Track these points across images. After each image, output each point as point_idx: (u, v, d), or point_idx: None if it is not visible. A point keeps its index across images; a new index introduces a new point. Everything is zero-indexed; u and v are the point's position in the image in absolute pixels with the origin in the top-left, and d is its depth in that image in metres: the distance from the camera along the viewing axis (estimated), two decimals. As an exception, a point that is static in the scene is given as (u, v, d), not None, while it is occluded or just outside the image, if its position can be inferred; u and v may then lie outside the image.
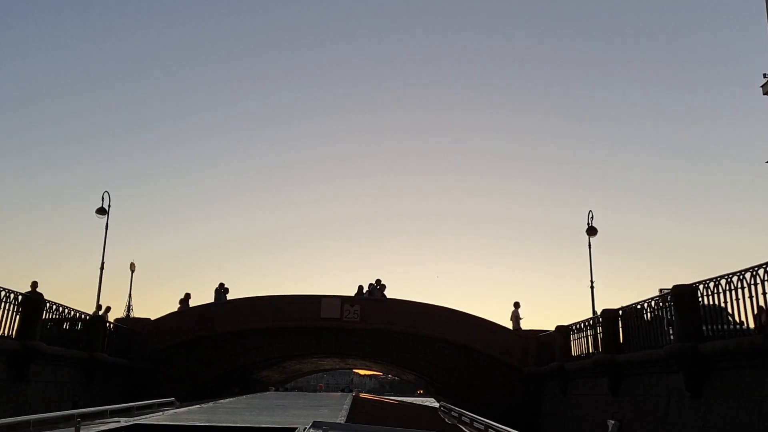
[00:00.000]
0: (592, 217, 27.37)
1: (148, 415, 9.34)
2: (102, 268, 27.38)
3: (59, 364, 19.60)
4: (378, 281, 28.20)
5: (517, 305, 27.85)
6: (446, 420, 14.18)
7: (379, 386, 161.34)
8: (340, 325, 26.73)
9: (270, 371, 33.02)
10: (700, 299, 13.43)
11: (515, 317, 27.26)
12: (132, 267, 28.05)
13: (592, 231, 27.25)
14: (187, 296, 28.09)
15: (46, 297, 18.58)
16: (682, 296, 13.79)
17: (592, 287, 27.84)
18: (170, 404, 12.81)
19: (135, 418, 8.65)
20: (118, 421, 8.05)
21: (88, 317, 22.17)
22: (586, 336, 20.75)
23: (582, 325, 21.01)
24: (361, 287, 27.98)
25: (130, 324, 26.52)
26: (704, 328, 13.05)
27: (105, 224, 27.29)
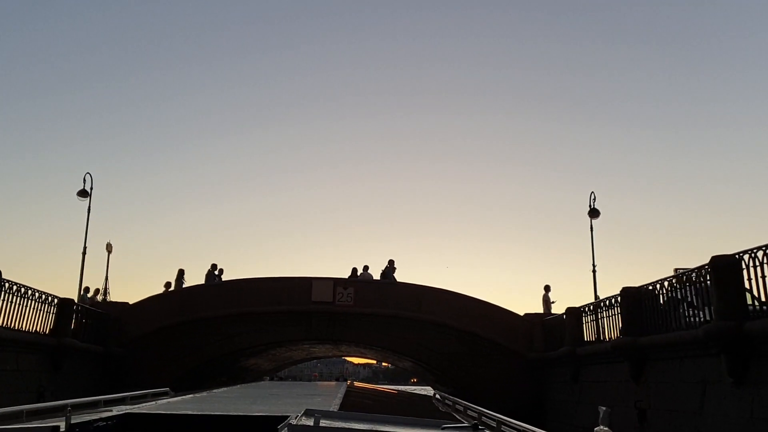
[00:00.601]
0: (594, 199, 26.01)
1: (140, 405, 9.31)
2: (84, 253, 25.99)
3: (20, 351, 17.78)
4: (391, 262, 26.29)
5: (547, 289, 26.03)
6: (440, 408, 14.19)
7: (373, 375, 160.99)
8: (333, 309, 25.00)
9: (259, 359, 31.28)
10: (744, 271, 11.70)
11: (546, 301, 25.50)
12: (108, 248, 26.20)
13: (594, 213, 25.84)
14: (181, 273, 26.21)
15: (12, 279, 16.78)
16: (723, 269, 12.07)
17: (594, 271, 26.44)
18: (164, 394, 12.75)
19: (127, 407, 8.61)
20: (110, 410, 7.98)
21: (56, 299, 20.30)
22: (600, 318, 19.09)
23: (596, 306, 19.31)
24: (354, 270, 26.23)
25: (106, 308, 24.64)
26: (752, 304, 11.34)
27: (87, 207, 26.02)
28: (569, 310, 20.81)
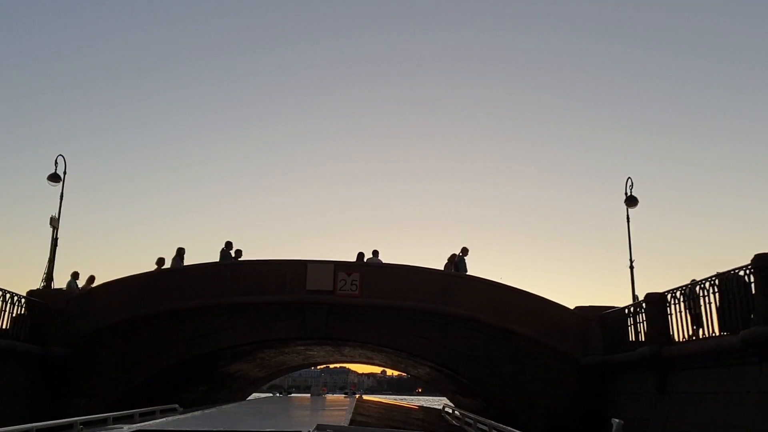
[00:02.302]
0: (631, 186, 21.96)
1: (150, 422, 9.49)
2: (55, 244, 21.79)
3: None
4: (464, 250, 21.61)
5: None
6: (450, 421, 14.61)
7: (377, 384, 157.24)
8: (333, 299, 20.04)
9: (244, 363, 26.26)
10: None
11: None
12: (53, 222, 21.24)
13: (631, 201, 21.98)
14: (180, 253, 21.36)
15: None
16: None
17: (631, 267, 21.99)
18: (173, 410, 12.87)
19: (138, 425, 8.72)
20: (121, 428, 8.08)
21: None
22: (693, 307, 14.08)
23: (692, 290, 14.24)
24: (361, 255, 21.29)
25: (47, 298, 19.65)
26: None
27: (60, 193, 22.27)
28: (650, 297, 15.73)
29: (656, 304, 15.59)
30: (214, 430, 7.51)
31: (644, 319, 16.32)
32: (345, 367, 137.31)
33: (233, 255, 21.18)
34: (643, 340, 16.56)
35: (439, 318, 20.00)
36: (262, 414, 10.84)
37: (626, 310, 18.21)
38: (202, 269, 20.62)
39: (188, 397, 22.75)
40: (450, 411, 17.86)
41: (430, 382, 32.12)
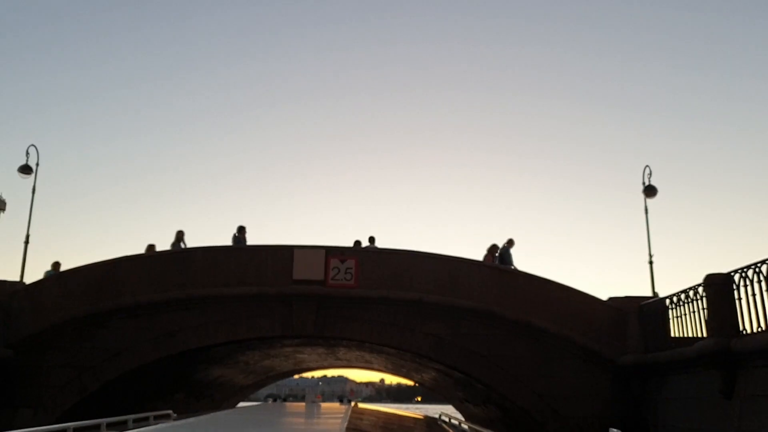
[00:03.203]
0: (649, 174, 19.72)
1: (144, 428, 9.69)
2: (27, 242, 19.62)
3: None
4: (510, 242, 18.96)
5: None
6: (447, 429, 14.01)
7: (376, 393, 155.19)
8: (324, 291, 17.21)
9: (226, 368, 23.38)
10: None
11: None
12: (1, 205, 18.42)
13: (650, 191, 19.79)
14: (180, 236, 18.75)
15: None
16: None
17: (651, 263, 19.36)
18: (167, 417, 12.73)
19: (129, 429, 9.23)
20: None
21: None
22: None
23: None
24: (357, 243, 18.46)
25: (-13, 291, 16.79)
26: None
27: (32, 186, 20.31)
28: (712, 278, 12.85)
29: (719, 287, 12.72)
30: None
31: (702, 306, 13.46)
32: (343, 376, 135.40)
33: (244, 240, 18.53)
34: (697, 334, 13.75)
35: (450, 312, 17.17)
36: (256, 422, 10.77)
37: (674, 299, 15.36)
38: (170, 257, 17.76)
39: (162, 407, 19.91)
40: (446, 419, 16.57)
41: (435, 389, 29.21)
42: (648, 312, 16.51)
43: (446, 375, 20.23)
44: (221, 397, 28.68)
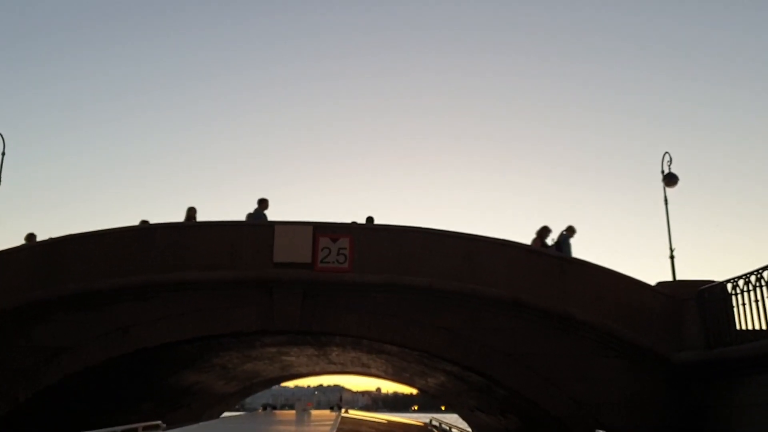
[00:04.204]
0: (669, 161, 17.36)
1: None
2: None
3: None
4: (570, 229, 16.08)
5: None
6: None
7: (372, 402, 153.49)
8: (312, 276, 14.18)
9: (201, 373, 20.31)
10: None
11: None
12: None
13: (670, 180, 17.35)
14: (191, 213, 15.75)
15: None
16: None
17: (672, 257, 16.37)
18: (156, 427, 12.62)
19: None
20: None
21: None
22: None
23: None
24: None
25: None
26: None
27: None
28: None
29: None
30: None
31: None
32: (339, 385, 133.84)
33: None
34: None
35: (467, 301, 14.17)
36: (246, 430, 10.95)
37: (740, 283, 12.37)
38: (126, 236, 14.70)
39: (125, 419, 16.86)
40: (437, 425, 16.29)
41: (441, 397, 26.17)
42: (710, 299, 13.55)
43: (459, 379, 17.18)
44: (200, 407, 25.55)
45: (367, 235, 14.66)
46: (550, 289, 14.22)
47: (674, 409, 13.53)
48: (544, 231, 15.66)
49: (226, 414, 33.71)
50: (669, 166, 17.44)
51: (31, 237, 15.86)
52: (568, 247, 15.45)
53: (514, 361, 13.93)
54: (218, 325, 14.18)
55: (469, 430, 26.69)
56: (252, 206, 15.49)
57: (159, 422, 13.11)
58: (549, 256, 14.60)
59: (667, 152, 17.52)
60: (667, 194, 17.43)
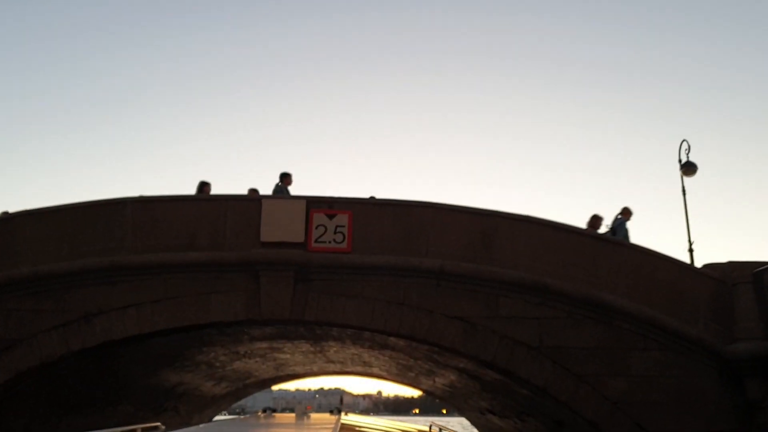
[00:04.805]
0: (687, 150, 16.74)
1: None
2: None
3: None
4: (626, 211, 14.47)
5: None
6: None
7: (373, 405, 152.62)
8: (306, 257, 12.32)
9: (185, 373, 18.45)
10: None
11: None
12: None
13: (688, 168, 16.74)
14: (202, 188, 13.87)
15: None
16: None
17: (691, 250, 15.08)
18: (155, 429, 12.29)
19: None
20: None
21: None
22: None
23: None
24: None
25: None
26: None
27: None
28: None
29: None
30: None
31: None
32: (340, 389, 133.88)
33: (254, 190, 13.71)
34: None
35: (484, 286, 12.29)
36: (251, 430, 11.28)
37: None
38: (88, 212, 12.82)
39: (96, 424, 15.08)
40: (438, 429, 16.03)
41: (449, 399, 24.25)
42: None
43: (472, 378, 15.28)
44: (189, 410, 23.66)
45: (369, 210, 12.78)
46: (581, 273, 12.36)
47: (726, 409, 11.69)
48: (596, 221, 13.85)
49: (218, 418, 31.91)
50: (687, 154, 16.68)
51: None
52: (625, 232, 13.70)
53: (540, 355, 12.02)
54: (197, 315, 12.26)
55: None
56: (262, 182, 13.68)
57: (158, 424, 12.91)
58: (579, 233, 12.72)
59: (684, 140, 16.71)
60: (686, 184, 16.67)
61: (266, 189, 13.69)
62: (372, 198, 13.85)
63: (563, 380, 11.92)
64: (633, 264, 12.50)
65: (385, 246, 12.52)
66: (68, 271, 12.23)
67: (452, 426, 20.70)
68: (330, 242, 12.48)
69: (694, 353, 11.96)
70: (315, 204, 12.71)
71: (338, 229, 12.51)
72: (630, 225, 14.12)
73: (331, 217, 12.60)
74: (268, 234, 12.43)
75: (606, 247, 12.65)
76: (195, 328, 12.56)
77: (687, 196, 16.68)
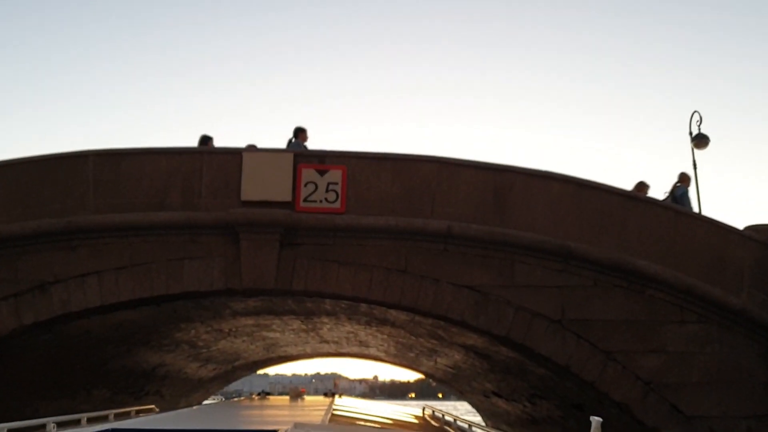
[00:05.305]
0: (699, 121, 16.16)
1: (125, 420, 9.29)
2: None
3: None
4: (683, 177, 13.10)
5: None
6: (430, 421, 14.17)
7: (369, 390, 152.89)
8: (294, 219, 10.78)
9: (165, 353, 17.00)
10: None
11: None
12: None
13: (699, 140, 16.09)
14: (204, 142, 12.40)
15: None
16: None
17: None
18: (150, 411, 11.98)
19: (111, 424, 8.33)
20: (100, 427, 7.46)
21: None
22: None
23: None
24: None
25: None
26: None
27: None
28: None
29: None
30: (192, 428, 7.44)
31: None
32: (337, 373, 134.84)
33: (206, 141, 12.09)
34: None
35: (497, 250, 10.77)
36: (240, 413, 10.60)
37: None
38: (44, 165, 11.24)
39: (70, 408, 13.73)
40: (430, 412, 16.33)
41: (450, 382, 22.82)
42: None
43: (481, 357, 13.80)
44: (174, 394, 22.22)
45: (367, 165, 11.20)
46: (608, 236, 10.85)
47: (776, 391, 10.25)
48: (642, 188, 12.39)
49: (207, 402, 30.58)
50: (699, 126, 15.97)
51: None
52: (688, 201, 12.26)
53: (562, 329, 10.54)
54: (168, 284, 10.73)
55: (478, 419, 23.67)
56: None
57: (153, 406, 13.22)
58: (606, 191, 11.17)
59: (696, 111, 16.05)
60: (697, 157, 15.80)
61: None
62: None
63: (589, 358, 10.44)
64: (668, 226, 10.99)
65: (384, 206, 10.97)
66: (20, 234, 10.67)
67: (447, 409, 19.74)
68: (321, 201, 10.93)
69: (737, 326, 10.49)
70: (304, 158, 11.15)
71: (330, 187, 10.96)
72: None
73: (322, 172, 11.04)
74: (249, 192, 10.88)
75: (637, 206, 11.12)
76: (166, 299, 11.02)
77: (698, 170, 15.77)
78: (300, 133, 12.13)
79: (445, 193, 11.07)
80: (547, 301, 10.61)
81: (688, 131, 16.19)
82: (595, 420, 5.48)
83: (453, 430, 11.75)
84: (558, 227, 10.88)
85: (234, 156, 11.14)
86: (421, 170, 11.20)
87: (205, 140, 12.09)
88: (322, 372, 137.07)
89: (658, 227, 10.98)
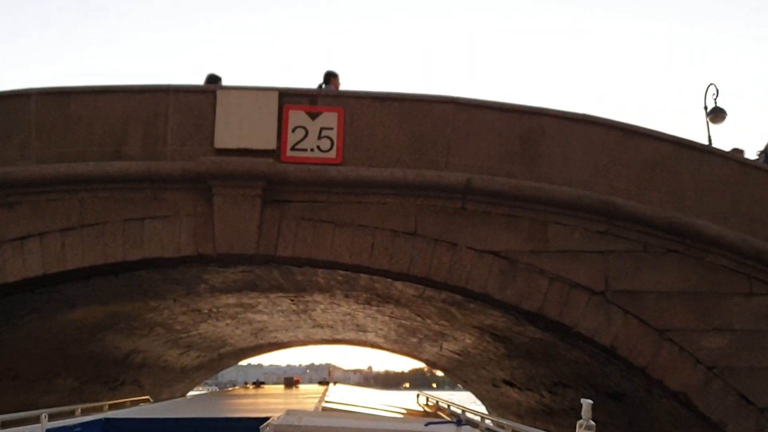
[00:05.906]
0: (715, 95, 15.50)
1: (119, 410, 9.42)
2: None
3: None
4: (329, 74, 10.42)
5: None
6: (425, 408, 14.42)
7: (364, 380, 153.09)
8: (279, 170, 8.90)
9: (138, 337, 15.11)
10: None
11: None
12: None
13: (716, 114, 15.46)
14: (212, 82, 10.25)
15: None
16: None
17: None
18: (145, 401, 12.83)
19: (104, 413, 8.37)
20: (89, 417, 7.92)
21: None
22: None
23: None
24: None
25: None
26: None
27: None
28: None
29: None
30: (185, 416, 7.66)
31: None
32: (332, 364, 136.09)
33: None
34: None
35: (527, 208, 8.96)
36: (234, 401, 11.10)
37: None
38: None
39: (31, 403, 12.03)
40: (423, 398, 16.40)
41: (456, 370, 21.04)
42: None
43: (498, 339, 11.97)
44: (153, 384, 20.37)
45: (367, 107, 9.31)
46: (660, 191, 9.05)
47: None
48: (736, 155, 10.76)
49: (192, 393, 28.90)
50: (715, 99, 15.25)
51: None
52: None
53: (606, 302, 8.73)
54: (125, 249, 8.84)
55: (482, 410, 22.05)
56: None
57: (148, 397, 13.79)
58: (657, 138, 9.32)
59: (712, 83, 15.58)
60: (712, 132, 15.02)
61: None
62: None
63: (639, 337, 8.63)
64: (731, 180, 9.20)
65: (389, 155, 9.12)
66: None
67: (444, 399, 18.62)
68: (312, 150, 9.06)
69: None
70: (291, 98, 9.25)
71: (324, 133, 9.09)
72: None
73: (313, 115, 9.15)
74: (225, 138, 8.99)
75: (693, 156, 9.29)
76: (123, 267, 9.14)
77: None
78: (332, 78, 10.19)
79: (462, 140, 9.20)
80: (588, 269, 8.79)
81: (703, 105, 15.32)
82: (586, 402, 5.04)
83: (446, 415, 11.73)
84: (599, 181, 9.05)
85: (206, 95, 9.23)
86: (434, 113, 9.32)
87: (213, 80, 10.15)
88: (317, 362, 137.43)
89: (720, 181, 9.18)
